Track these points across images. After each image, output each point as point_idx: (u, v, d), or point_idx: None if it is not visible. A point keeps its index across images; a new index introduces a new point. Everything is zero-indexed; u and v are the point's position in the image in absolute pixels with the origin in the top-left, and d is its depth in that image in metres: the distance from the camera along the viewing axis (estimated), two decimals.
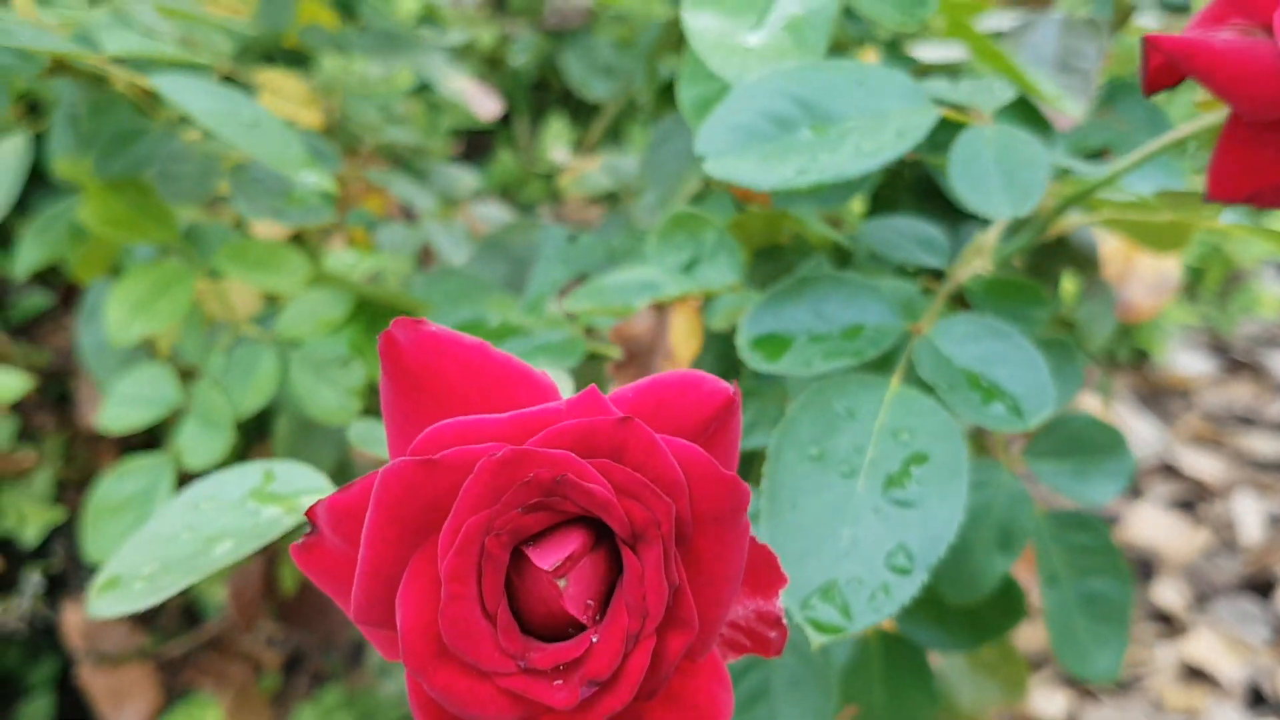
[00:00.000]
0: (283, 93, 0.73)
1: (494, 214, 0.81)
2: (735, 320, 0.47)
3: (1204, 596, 1.33)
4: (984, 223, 0.48)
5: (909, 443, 0.39)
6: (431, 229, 0.76)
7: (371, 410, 0.63)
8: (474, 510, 0.24)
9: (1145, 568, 1.39)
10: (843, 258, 0.50)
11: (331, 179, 0.62)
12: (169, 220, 0.57)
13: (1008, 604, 0.54)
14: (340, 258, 0.61)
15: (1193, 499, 1.46)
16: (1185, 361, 1.64)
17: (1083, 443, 0.50)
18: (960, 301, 0.47)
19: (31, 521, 0.87)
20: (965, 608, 0.53)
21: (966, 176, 0.40)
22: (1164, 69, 0.33)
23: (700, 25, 0.43)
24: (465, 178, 0.83)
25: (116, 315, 0.54)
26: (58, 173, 0.55)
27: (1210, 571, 1.36)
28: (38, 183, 0.79)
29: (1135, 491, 1.49)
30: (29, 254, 0.56)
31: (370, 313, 0.59)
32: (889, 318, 0.43)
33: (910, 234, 0.46)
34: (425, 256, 0.83)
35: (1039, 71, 0.57)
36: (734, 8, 0.44)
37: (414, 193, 0.73)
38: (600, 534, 0.25)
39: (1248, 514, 1.41)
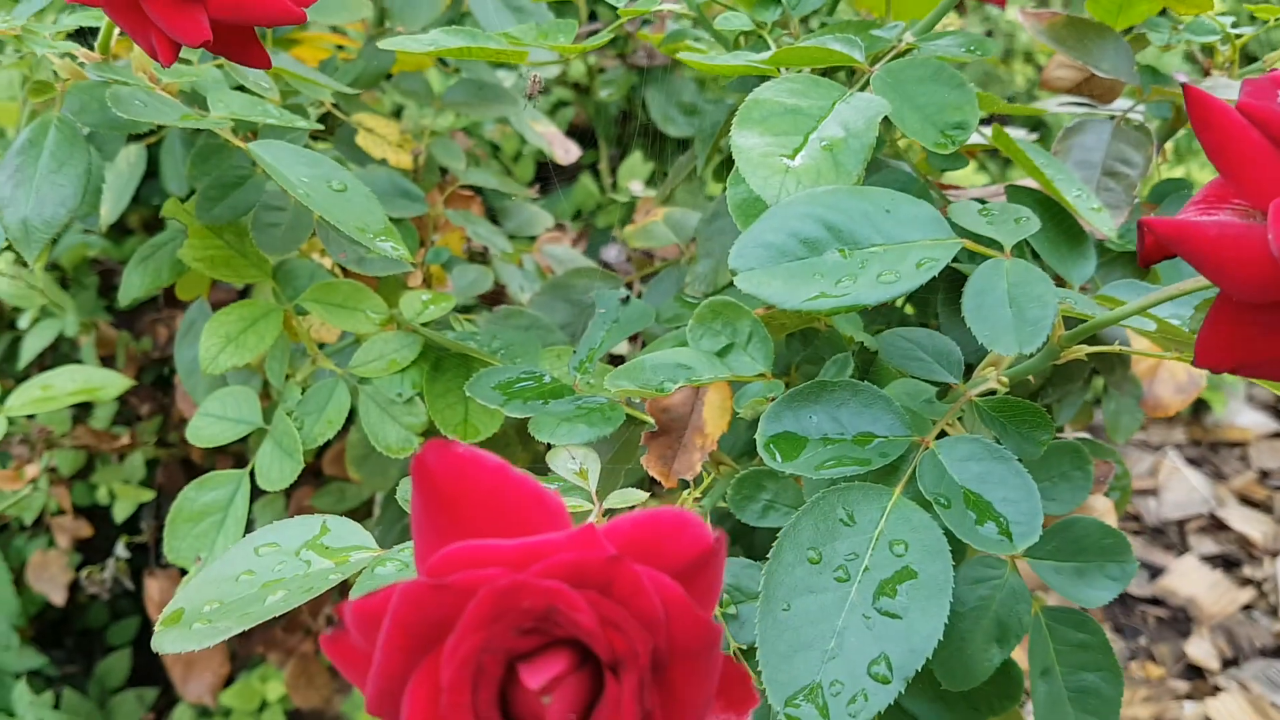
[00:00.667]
0: (377, 133, 0.78)
1: (563, 254, 0.86)
2: (759, 409, 0.50)
3: (1238, 656, 1.32)
4: None
5: (903, 555, 0.42)
6: (504, 270, 0.80)
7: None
8: (475, 630, 0.28)
9: (1182, 621, 1.39)
10: (871, 354, 0.53)
11: (412, 234, 0.67)
12: (262, 262, 0.62)
13: (1007, 685, 0.56)
14: (411, 302, 0.66)
15: (1238, 556, 1.45)
16: (1244, 417, 1.62)
17: (1085, 546, 0.53)
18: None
19: (121, 499, 0.95)
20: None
21: (978, 311, 0.43)
22: (1158, 246, 0.36)
23: (747, 144, 0.47)
24: (541, 216, 0.87)
25: (208, 347, 0.60)
26: (163, 212, 0.60)
27: (1247, 631, 1.35)
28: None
29: (1181, 544, 1.48)
30: (132, 282, 0.62)
31: (435, 357, 0.64)
32: (898, 429, 0.46)
33: (928, 346, 0.49)
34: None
35: (1082, 178, 0.60)
36: (781, 129, 0.47)
37: (489, 234, 0.78)
38: (586, 655, 0.29)
39: None
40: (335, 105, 0.82)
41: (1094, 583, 0.53)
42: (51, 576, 1.06)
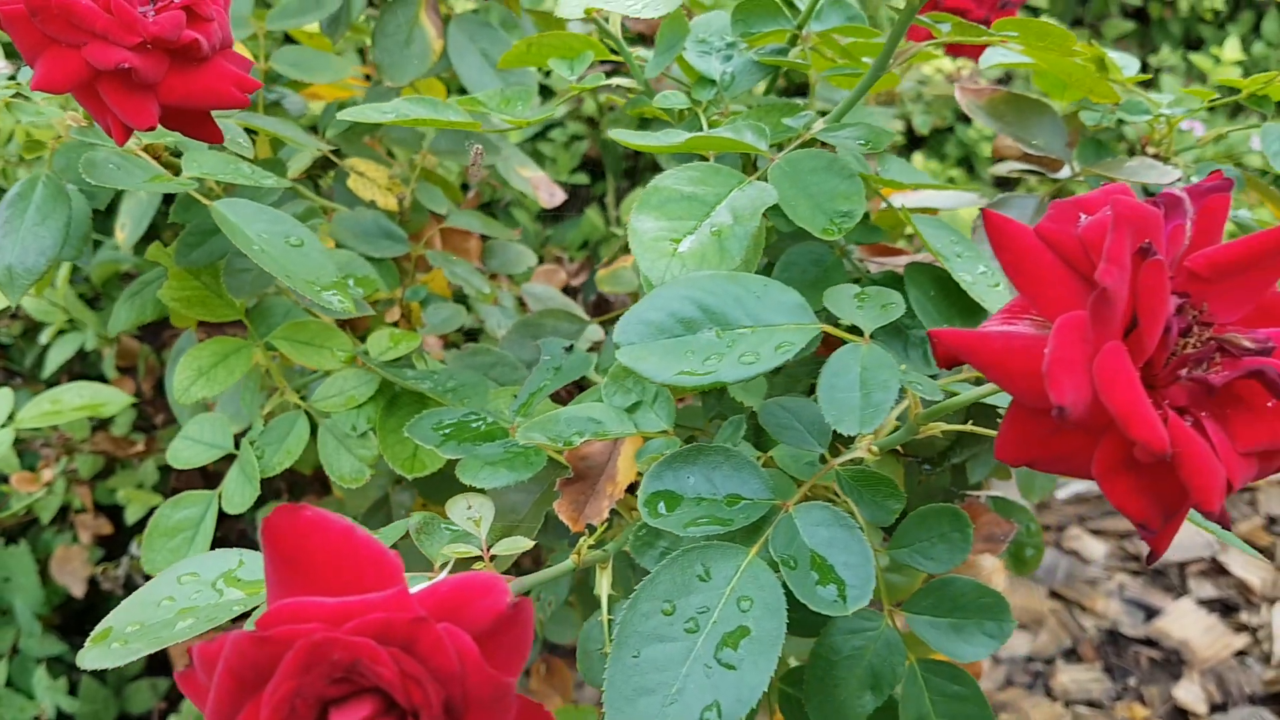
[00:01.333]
0: (368, 176, 0.84)
1: (541, 292, 0.91)
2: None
3: (1226, 701, 1.33)
4: None
5: (748, 611, 0.46)
6: (483, 309, 0.86)
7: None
8: (290, 678, 0.33)
9: (1174, 664, 1.39)
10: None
11: (392, 272, 0.73)
12: (235, 302, 0.68)
13: None
14: (378, 340, 0.71)
15: (1236, 602, 1.45)
16: None
17: (962, 604, 0.56)
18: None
19: (134, 503, 1.02)
20: None
21: (830, 393, 0.47)
22: (951, 355, 0.40)
23: (642, 227, 0.51)
24: (525, 254, 0.92)
25: (181, 379, 0.66)
26: (147, 255, 0.67)
27: (1238, 677, 1.35)
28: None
29: (1180, 586, 1.48)
30: (119, 316, 0.69)
31: (391, 394, 0.70)
32: (763, 492, 0.50)
33: (803, 416, 0.53)
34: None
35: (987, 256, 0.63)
36: (676, 214, 0.52)
37: (466, 274, 0.83)
38: (391, 702, 0.34)
39: None
40: (335, 150, 0.88)
41: (971, 639, 0.56)
42: (73, 570, 1.14)
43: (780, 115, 0.59)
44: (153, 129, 0.49)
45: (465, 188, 1.28)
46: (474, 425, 0.64)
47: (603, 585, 0.56)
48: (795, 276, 0.63)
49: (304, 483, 1.12)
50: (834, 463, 0.52)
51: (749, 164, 0.62)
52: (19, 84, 0.55)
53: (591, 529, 0.58)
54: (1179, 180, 0.62)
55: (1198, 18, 1.62)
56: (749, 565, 0.47)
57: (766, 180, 0.54)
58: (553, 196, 0.94)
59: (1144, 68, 1.70)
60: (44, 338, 0.97)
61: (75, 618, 1.23)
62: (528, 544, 0.51)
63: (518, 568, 0.74)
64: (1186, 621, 1.43)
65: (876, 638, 0.56)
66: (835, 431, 0.51)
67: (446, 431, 0.63)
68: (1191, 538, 1.52)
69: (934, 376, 0.55)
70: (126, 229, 0.85)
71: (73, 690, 1.16)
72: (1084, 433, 0.38)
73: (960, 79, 0.72)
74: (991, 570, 0.61)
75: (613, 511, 0.59)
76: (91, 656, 0.45)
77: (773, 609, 0.46)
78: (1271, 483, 1.60)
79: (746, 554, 0.48)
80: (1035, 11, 1.62)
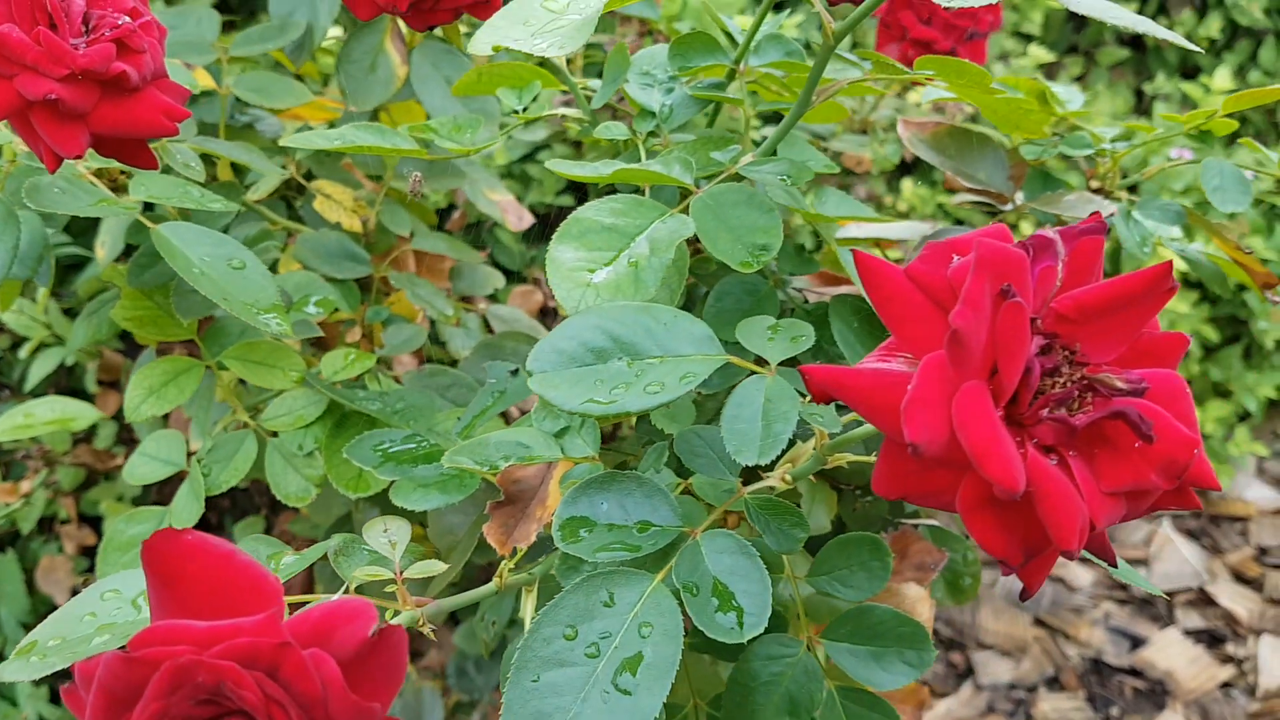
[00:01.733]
0: (334, 198, 0.86)
1: (506, 314, 0.92)
2: None
3: None
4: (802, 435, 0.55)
5: (648, 637, 0.47)
6: (446, 330, 0.87)
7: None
8: (157, 698, 0.34)
9: (1158, 694, 1.38)
10: None
11: (353, 293, 0.74)
12: (184, 322, 0.70)
13: None
14: (333, 360, 0.73)
15: (1223, 633, 1.44)
16: (1252, 491, 1.60)
17: (881, 633, 0.57)
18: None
19: (110, 515, 1.04)
20: None
21: (734, 423, 0.48)
22: (823, 390, 0.40)
23: (561, 257, 0.53)
24: (492, 276, 0.94)
25: (132, 397, 0.68)
26: (101, 276, 0.68)
27: (1222, 709, 1.34)
28: None
29: (1167, 617, 1.47)
30: (77, 335, 0.71)
31: (340, 414, 0.71)
32: (672, 520, 0.51)
33: (716, 445, 0.54)
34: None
35: None
36: (596, 245, 0.53)
37: (429, 296, 0.85)
38: None
39: (1274, 657, 1.38)
40: (307, 173, 0.90)
41: (890, 667, 0.57)
42: (58, 580, 1.16)
43: (712, 148, 0.60)
44: (80, 157, 0.50)
45: (453, 208, 1.29)
46: (411, 448, 0.65)
47: (527, 608, 0.57)
48: (729, 305, 0.64)
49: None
50: (743, 491, 0.52)
51: (685, 194, 0.63)
52: None
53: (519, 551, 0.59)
54: (1111, 215, 0.63)
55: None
56: (653, 591, 0.48)
57: (688, 213, 0.55)
58: (521, 220, 0.95)
59: (1139, 95, 1.70)
60: (24, 351, 0.99)
61: None
62: (441, 567, 0.52)
63: (472, 584, 0.75)
64: (1172, 652, 1.42)
65: (795, 664, 0.56)
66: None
67: (386, 453, 0.64)
68: (1179, 567, 1.51)
69: None
70: (106, 246, 0.87)
71: (54, 699, 1.17)
72: (951, 469, 0.38)
73: (909, 114, 0.73)
74: (916, 599, 0.61)
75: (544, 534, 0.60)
76: (12, 669, 0.47)
77: (671, 635, 0.47)
78: (1264, 512, 1.59)
79: (652, 580, 0.49)
80: (1029, 39, 1.63)
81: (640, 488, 0.52)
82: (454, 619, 1.07)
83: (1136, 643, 1.45)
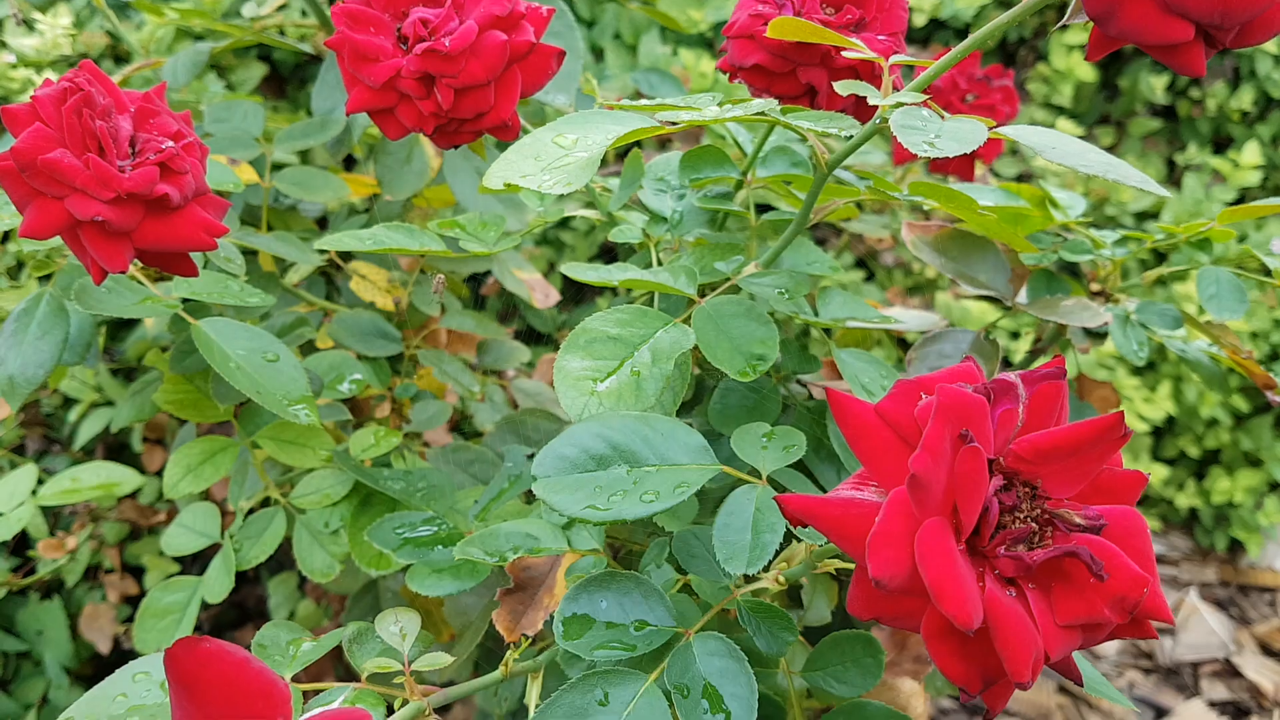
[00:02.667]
0: (369, 279, 0.90)
1: (531, 388, 0.96)
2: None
3: None
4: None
5: None
6: (473, 405, 0.91)
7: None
8: None
9: None
10: None
11: (384, 370, 0.78)
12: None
13: None
14: (361, 439, 0.76)
15: (1248, 706, 1.42)
16: None
17: None
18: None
19: (153, 569, 1.08)
20: None
21: (724, 532, 0.51)
22: (797, 517, 0.43)
23: (568, 365, 0.56)
24: (518, 351, 0.98)
25: (171, 475, 0.72)
26: (145, 361, 0.73)
27: None
28: None
29: (1192, 687, 1.47)
30: (122, 413, 0.75)
31: (365, 493, 0.75)
32: (667, 620, 0.53)
33: (710, 548, 0.56)
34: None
35: None
36: (602, 354, 0.56)
37: (456, 372, 0.88)
38: None
39: None
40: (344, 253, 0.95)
41: None
42: (100, 627, 1.21)
43: (718, 256, 0.63)
44: (124, 271, 0.54)
45: (487, 274, 1.34)
46: (433, 531, 0.68)
47: (531, 696, 0.60)
48: (734, 402, 0.67)
49: None
50: (737, 592, 0.55)
51: (690, 302, 0.67)
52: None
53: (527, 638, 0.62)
54: (1106, 323, 0.65)
55: (1226, 117, 1.63)
56: (645, 692, 0.51)
57: (690, 322, 0.58)
58: (547, 297, 0.99)
59: (1170, 166, 1.71)
60: (74, 413, 1.05)
61: (102, 672, 1.29)
62: (447, 660, 0.55)
63: (489, 654, 0.78)
64: None
65: None
66: None
67: (405, 535, 0.67)
68: (1205, 638, 1.50)
69: None
70: (153, 316, 0.92)
71: None
72: (917, 597, 0.41)
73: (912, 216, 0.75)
74: (910, 694, 0.63)
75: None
76: None
77: None
78: None
79: (645, 680, 0.51)
80: (1060, 111, 1.64)
81: (638, 587, 0.54)
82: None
83: (1161, 713, 1.44)
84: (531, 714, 0.58)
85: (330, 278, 1.01)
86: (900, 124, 0.46)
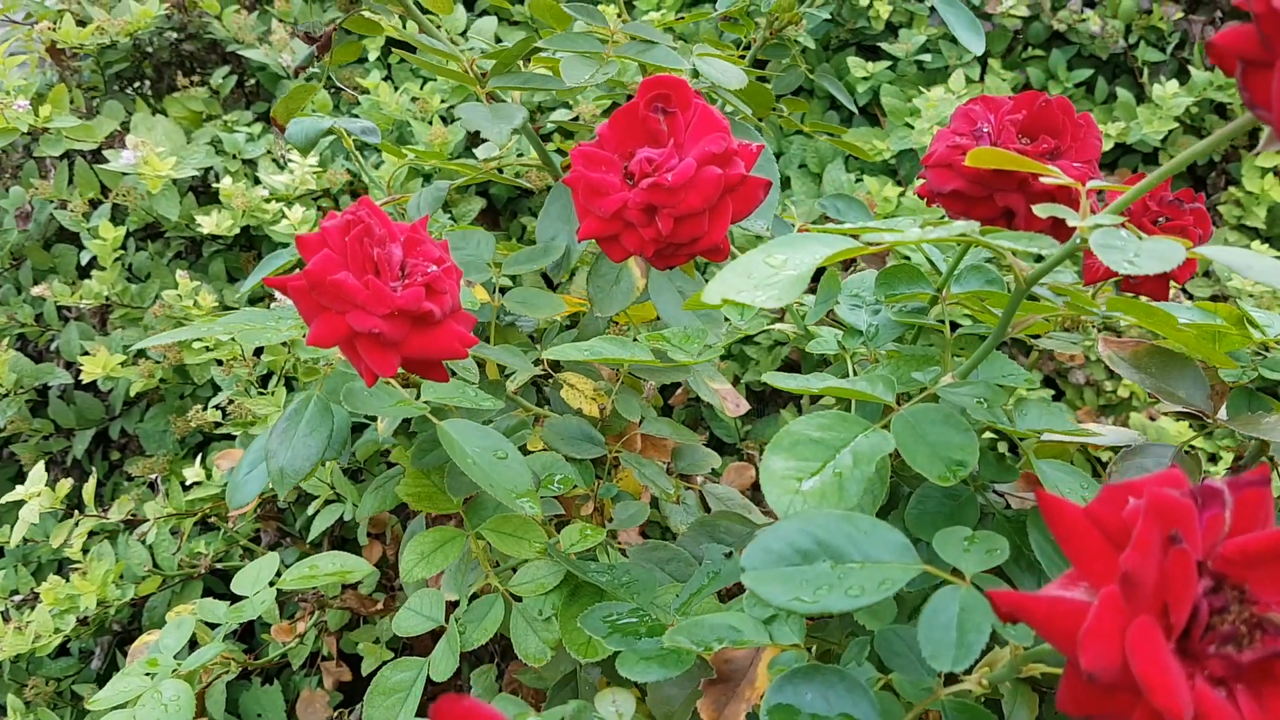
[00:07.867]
0: (576, 388, 0.98)
1: (722, 493, 1.00)
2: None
3: None
4: None
5: None
6: (668, 507, 0.96)
7: None
8: None
9: None
10: None
11: (589, 471, 0.84)
12: (454, 499, 0.81)
13: None
14: (571, 534, 0.82)
15: None
16: None
17: None
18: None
19: (369, 656, 1.17)
20: None
21: (929, 630, 0.53)
22: (1009, 614, 0.45)
23: (774, 465, 0.60)
24: (709, 457, 1.02)
25: (407, 561, 0.79)
26: (391, 457, 0.81)
27: None
28: None
29: None
30: (366, 504, 0.84)
31: (573, 584, 0.80)
32: (872, 715, 0.56)
33: (916, 646, 0.59)
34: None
35: None
36: (805, 455, 0.60)
37: (654, 476, 0.94)
38: None
39: None
40: (554, 363, 1.03)
41: None
42: (315, 713, 1.30)
43: (914, 367, 0.67)
44: (393, 377, 0.63)
45: (676, 385, 1.40)
46: (635, 621, 0.73)
47: None
48: (931, 509, 0.69)
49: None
50: (940, 692, 0.57)
51: (887, 410, 0.70)
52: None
53: None
54: None
55: None
56: None
57: (889, 428, 0.62)
58: (738, 406, 1.04)
59: None
60: (312, 508, 1.15)
61: None
62: None
63: None
64: None
65: None
66: None
67: (613, 624, 0.72)
68: None
69: None
70: (385, 422, 1.02)
71: None
72: (1129, 693, 0.43)
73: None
74: None
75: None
76: None
77: None
78: None
79: None
80: (1254, 233, 1.61)
81: (842, 681, 0.57)
82: None
83: None
84: None
85: (539, 386, 1.09)
86: (1100, 243, 0.49)
